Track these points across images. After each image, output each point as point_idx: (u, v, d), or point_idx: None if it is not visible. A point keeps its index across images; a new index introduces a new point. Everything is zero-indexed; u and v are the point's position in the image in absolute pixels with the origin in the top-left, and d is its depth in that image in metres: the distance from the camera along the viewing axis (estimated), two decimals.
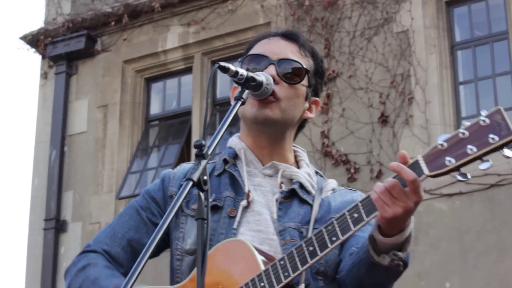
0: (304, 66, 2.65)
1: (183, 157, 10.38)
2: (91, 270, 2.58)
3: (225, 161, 2.68)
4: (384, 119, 8.94)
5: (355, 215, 2.31)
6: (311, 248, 2.35)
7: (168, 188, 2.68)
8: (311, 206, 2.61)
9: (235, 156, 2.68)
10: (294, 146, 2.75)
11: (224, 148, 2.76)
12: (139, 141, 10.51)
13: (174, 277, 2.60)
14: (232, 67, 2.41)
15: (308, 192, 2.63)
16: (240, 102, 2.42)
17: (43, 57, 11.09)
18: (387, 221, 2.26)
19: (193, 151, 2.37)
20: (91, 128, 10.57)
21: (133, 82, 10.68)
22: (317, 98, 2.74)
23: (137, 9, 10.58)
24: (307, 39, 2.75)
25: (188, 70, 10.54)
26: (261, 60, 2.63)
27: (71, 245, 10.03)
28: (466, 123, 2.19)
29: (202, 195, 2.17)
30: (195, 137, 9.97)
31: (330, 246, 2.34)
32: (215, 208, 2.59)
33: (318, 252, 2.35)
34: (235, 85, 2.61)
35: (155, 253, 2.23)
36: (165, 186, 2.69)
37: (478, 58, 9.09)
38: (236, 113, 2.44)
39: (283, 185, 2.63)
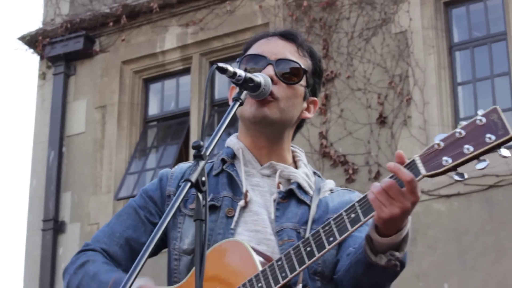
0: (302, 66, 2.65)
1: (182, 157, 10.38)
2: (90, 266, 2.57)
3: (223, 161, 2.68)
4: (382, 120, 8.95)
5: (352, 215, 2.31)
6: (308, 249, 2.35)
7: (166, 188, 2.68)
8: (309, 206, 2.61)
9: (233, 156, 2.68)
10: (292, 147, 2.75)
11: (222, 148, 2.76)
12: (138, 141, 10.51)
13: (171, 277, 2.60)
14: (230, 68, 2.41)
15: (306, 193, 2.63)
16: (238, 103, 2.43)
17: (41, 58, 11.08)
18: (384, 222, 2.26)
19: (191, 152, 2.36)
20: (89, 129, 10.56)
21: (131, 82, 10.68)
22: (315, 98, 2.74)
23: (135, 9, 10.58)
24: (305, 38, 2.75)
25: (186, 71, 10.54)
26: (259, 60, 2.63)
27: (70, 246, 10.02)
28: (463, 123, 2.19)
29: (200, 196, 2.17)
30: (194, 138, 9.97)
31: (328, 247, 2.34)
32: (213, 208, 2.58)
33: (316, 252, 2.35)
34: (233, 85, 2.61)
35: (154, 253, 2.24)
36: (163, 185, 2.69)
37: (476, 59, 9.09)
38: (235, 113, 2.44)
39: (281, 185, 2.62)
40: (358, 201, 2.32)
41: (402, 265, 2.36)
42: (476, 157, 2.15)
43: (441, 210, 8.40)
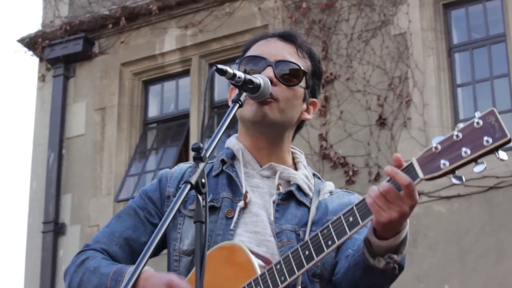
0: (302, 68, 2.65)
1: (181, 159, 10.37)
2: (90, 261, 2.58)
3: (223, 162, 2.68)
4: (382, 122, 8.94)
5: (351, 218, 2.30)
6: (307, 252, 2.34)
7: (166, 189, 2.68)
8: (308, 208, 2.60)
9: (233, 157, 2.68)
10: (292, 148, 2.74)
11: (222, 150, 2.76)
12: (137, 143, 10.51)
13: None
14: (229, 69, 2.41)
15: (305, 194, 2.63)
16: (238, 105, 2.42)
17: (41, 60, 11.08)
18: (382, 225, 2.26)
19: (191, 153, 2.37)
20: (89, 131, 10.56)
21: (131, 84, 10.67)
22: (315, 99, 2.73)
23: (134, 11, 10.58)
24: (304, 40, 2.75)
25: (186, 73, 10.54)
26: (259, 62, 2.63)
27: (70, 248, 10.02)
28: (460, 125, 2.17)
29: (200, 197, 2.17)
30: (193, 139, 9.97)
31: (326, 250, 2.33)
32: (213, 209, 2.58)
33: (314, 256, 2.34)
34: (233, 86, 2.61)
35: (155, 253, 2.24)
36: (162, 186, 2.69)
37: (475, 61, 9.09)
38: (234, 115, 2.44)
39: (280, 187, 2.62)
40: (356, 205, 2.30)
41: (401, 267, 2.36)
42: (474, 160, 2.14)
43: (442, 211, 8.40)
